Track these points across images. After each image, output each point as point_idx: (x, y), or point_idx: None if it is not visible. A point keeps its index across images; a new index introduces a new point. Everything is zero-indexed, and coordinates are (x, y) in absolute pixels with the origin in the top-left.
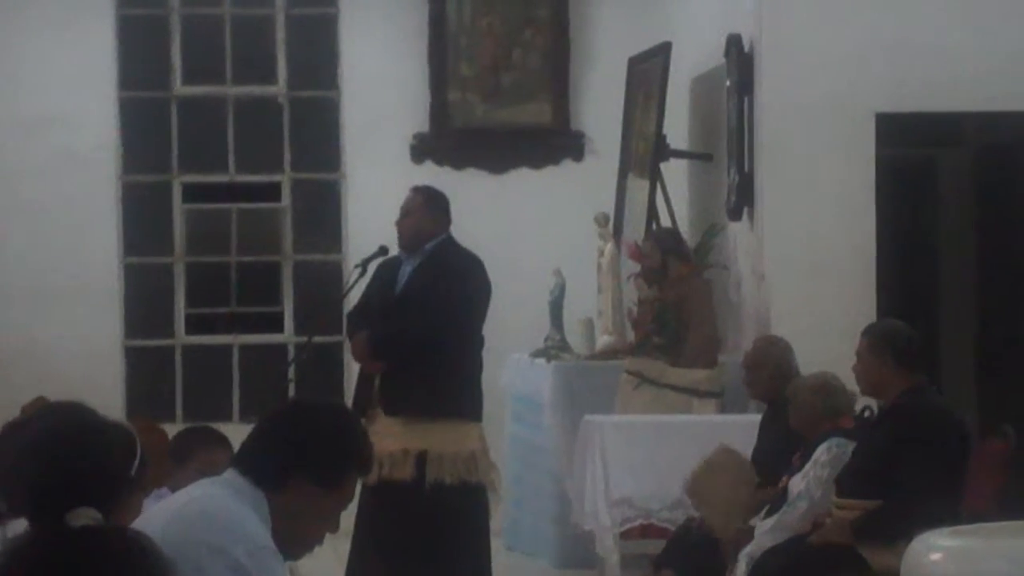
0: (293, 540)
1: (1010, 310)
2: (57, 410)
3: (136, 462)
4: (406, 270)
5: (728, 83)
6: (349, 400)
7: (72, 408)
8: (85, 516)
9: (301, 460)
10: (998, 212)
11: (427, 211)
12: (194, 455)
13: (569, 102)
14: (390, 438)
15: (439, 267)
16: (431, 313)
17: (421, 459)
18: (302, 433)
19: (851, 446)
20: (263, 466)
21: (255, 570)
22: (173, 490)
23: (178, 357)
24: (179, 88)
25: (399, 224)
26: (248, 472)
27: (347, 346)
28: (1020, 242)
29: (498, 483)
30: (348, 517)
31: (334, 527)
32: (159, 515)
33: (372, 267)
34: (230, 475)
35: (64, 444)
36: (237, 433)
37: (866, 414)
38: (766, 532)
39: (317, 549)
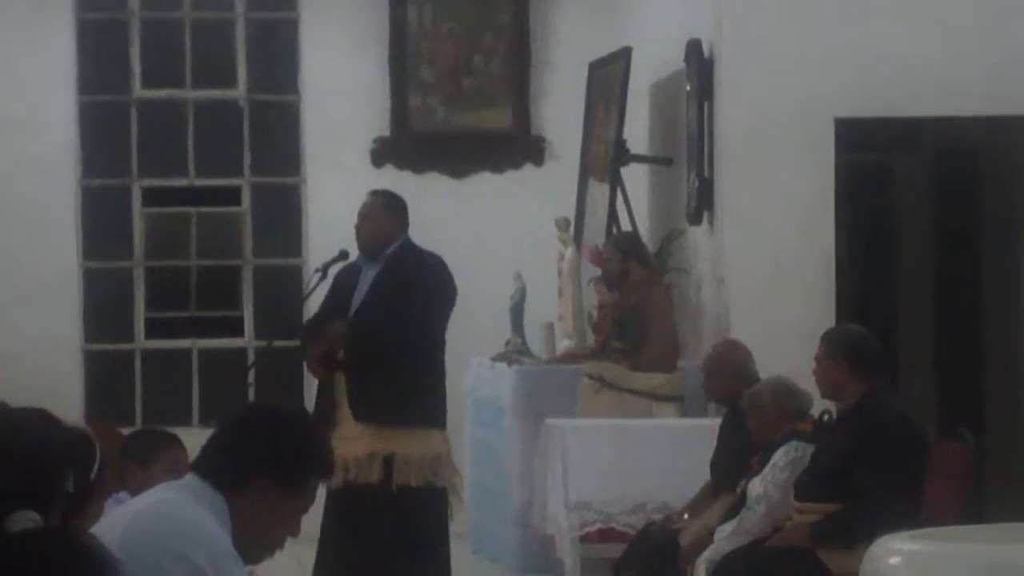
0: (254, 544)
1: (968, 314)
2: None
3: (95, 467)
4: (367, 275)
5: (688, 88)
6: (311, 405)
7: (21, 413)
8: (24, 519)
9: (263, 464)
10: (956, 216)
11: (387, 215)
12: (158, 457)
13: (530, 107)
14: (356, 442)
15: (404, 271)
16: (406, 317)
17: (388, 462)
18: (264, 437)
19: (810, 449)
20: (224, 470)
21: (216, 575)
22: (133, 494)
23: (137, 361)
24: (139, 91)
25: (359, 228)
26: (208, 476)
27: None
28: (977, 246)
29: (460, 486)
30: (311, 522)
31: (295, 531)
32: (119, 519)
33: (333, 272)
34: (190, 479)
35: (3, 448)
36: (197, 438)
37: (824, 418)
38: (725, 536)
39: (278, 554)
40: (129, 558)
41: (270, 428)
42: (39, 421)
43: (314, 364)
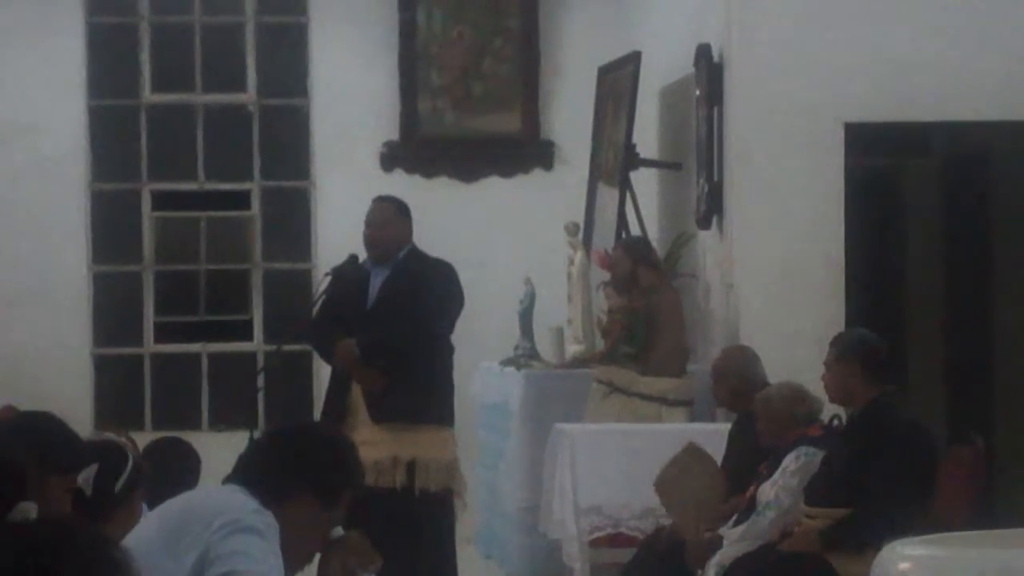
0: (292, 556)
1: (977, 318)
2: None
3: (124, 476)
4: (376, 280)
5: (697, 92)
6: (319, 409)
7: (26, 416)
8: (22, 511)
9: (304, 474)
10: (965, 221)
11: (400, 221)
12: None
13: (539, 111)
14: (375, 447)
15: (415, 275)
16: (417, 320)
17: (410, 467)
18: (305, 448)
19: (820, 455)
20: (266, 480)
21: (261, 524)
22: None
23: (147, 365)
24: (148, 96)
25: (376, 235)
26: (250, 486)
27: (316, 355)
28: (987, 251)
29: (465, 491)
30: None
31: (323, 546)
32: (156, 516)
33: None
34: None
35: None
36: (206, 442)
37: (834, 423)
38: (735, 541)
39: None
40: (168, 541)
41: (311, 440)
42: (44, 422)
43: (343, 356)
